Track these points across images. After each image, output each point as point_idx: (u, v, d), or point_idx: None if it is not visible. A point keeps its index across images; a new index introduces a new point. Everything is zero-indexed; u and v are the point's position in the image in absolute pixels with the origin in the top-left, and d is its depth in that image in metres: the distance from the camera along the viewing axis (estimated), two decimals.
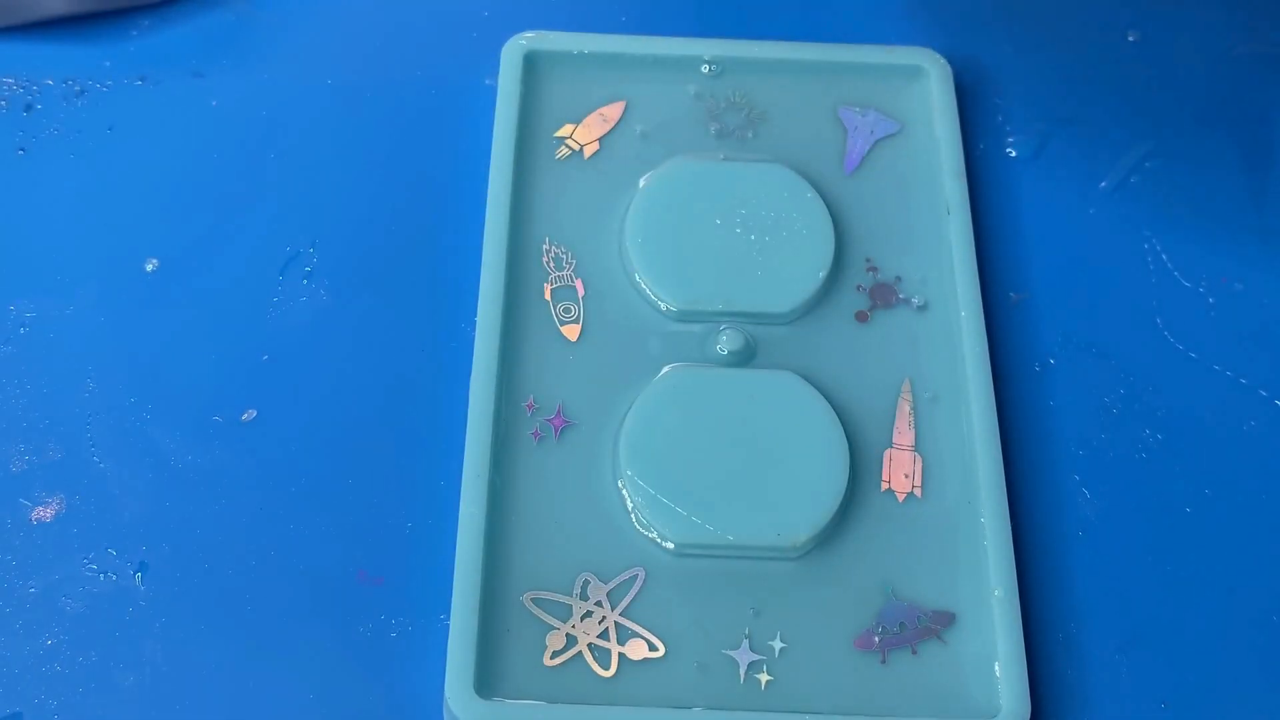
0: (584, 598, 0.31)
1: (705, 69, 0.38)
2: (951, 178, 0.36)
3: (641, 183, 0.36)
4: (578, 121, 0.37)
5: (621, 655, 0.30)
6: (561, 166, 0.36)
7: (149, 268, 0.35)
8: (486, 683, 0.29)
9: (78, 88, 0.38)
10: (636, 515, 0.31)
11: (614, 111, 0.37)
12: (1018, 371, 0.34)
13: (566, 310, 0.34)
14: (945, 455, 0.33)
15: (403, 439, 0.33)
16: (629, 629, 0.30)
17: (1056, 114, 0.38)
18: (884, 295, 0.35)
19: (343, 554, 0.31)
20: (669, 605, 0.31)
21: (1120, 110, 0.39)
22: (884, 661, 0.30)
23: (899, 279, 0.35)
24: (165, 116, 0.37)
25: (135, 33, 0.38)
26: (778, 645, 0.30)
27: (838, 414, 0.32)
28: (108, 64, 0.38)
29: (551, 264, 0.35)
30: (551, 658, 0.30)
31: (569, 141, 0.36)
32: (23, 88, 0.37)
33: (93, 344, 0.34)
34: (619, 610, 0.31)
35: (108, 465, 0.32)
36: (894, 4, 0.40)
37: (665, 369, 0.33)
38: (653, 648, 0.30)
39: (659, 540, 0.31)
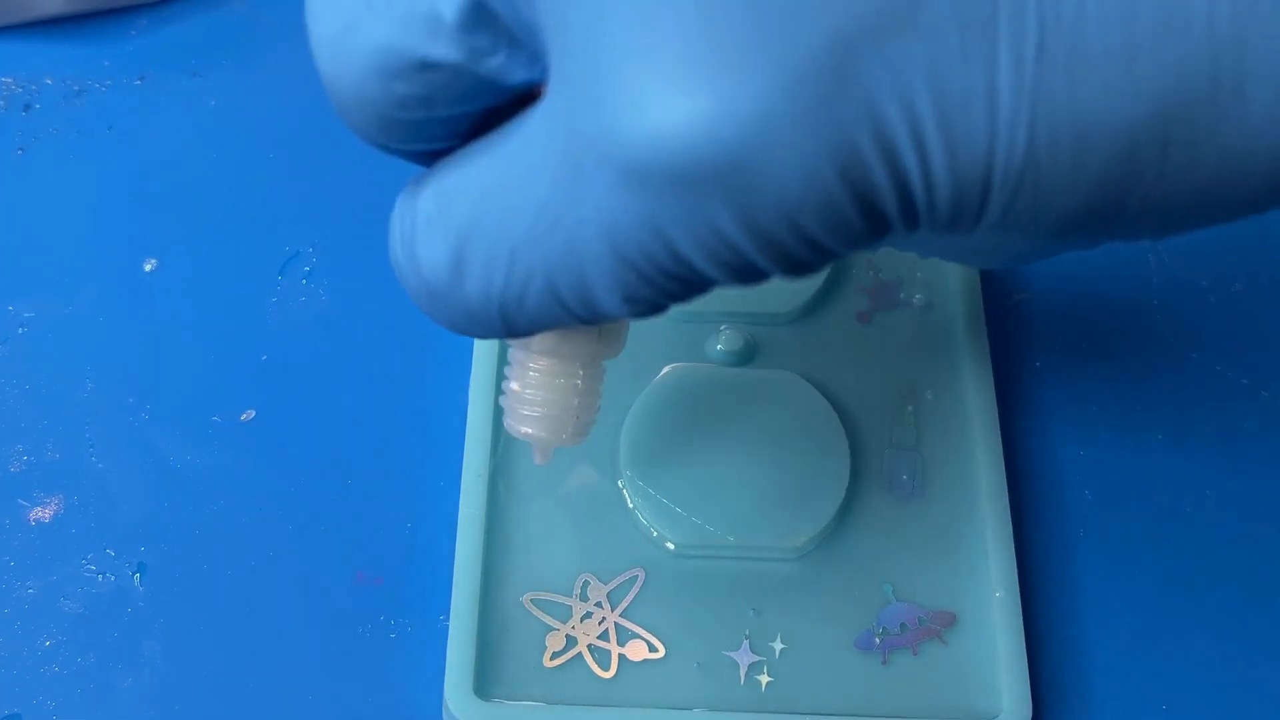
0: (584, 598, 0.31)
1: None
2: None
3: None
4: None
5: (621, 656, 0.30)
6: None
7: (148, 268, 0.35)
8: (486, 684, 0.29)
9: (76, 87, 0.37)
10: (636, 515, 0.31)
11: None
12: (1017, 371, 0.34)
13: None
14: (946, 455, 0.33)
15: (402, 439, 0.33)
16: (629, 630, 0.30)
17: None
18: (885, 295, 0.35)
19: (342, 554, 0.31)
20: (669, 606, 0.31)
21: None
22: (885, 662, 0.30)
23: (900, 279, 0.35)
24: (164, 116, 0.37)
25: (134, 32, 0.38)
26: (778, 646, 0.30)
27: (838, 414, 0.32)
28: (106, 64, 0.38)
29: None
30: (551, 659, 0.30)
31: None
32: (22, 88, 0.37)
33: (91, 344, 0.34)
34: (619, 611, 0.30)
35: (106, 465, 0.32)
36: None
37: (665, 369, 0.33)
38: (653, 649, 0.30)
39: (659, 540, 0.31)
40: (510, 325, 0.21)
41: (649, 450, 0.31)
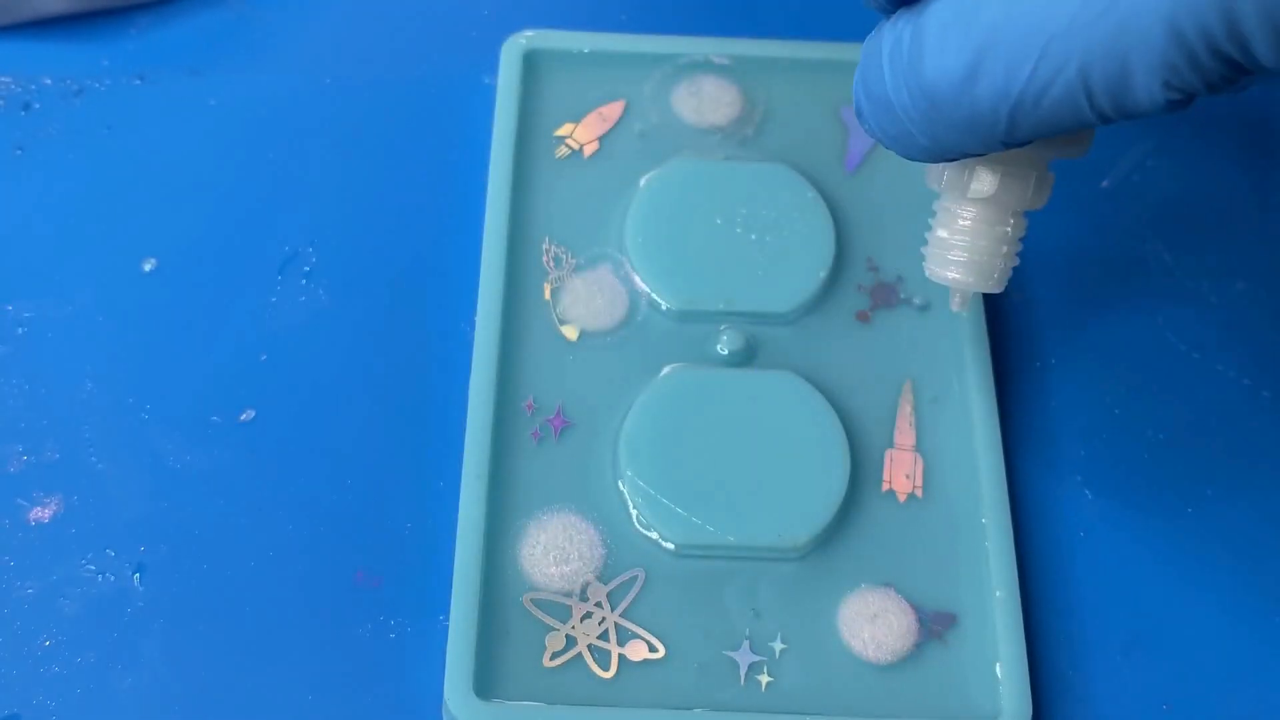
0: (584, 599, 0.30)
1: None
2: None
3: (642, 182, 0.36)
4: (577, 120, 0.37)
5: (621, 656, 0.30)
6: (561, 165, 0.36)
7: (147, 267, 0.35)
8: (486, 684, 0.29)
9: (76, 87, 0.37)
10: (637, 516, 0.31)
11: (614, 110, 0.37)
12: (1018, 371, 0.34)
13: (566, 310, 0.34)
14: (946, 455, 0.33)
15: (402, 439, 0.33)
16: (629, 630, 0.30)
17: None
18: (885, 295, 0.35)
19: (341, 555, 0.31)
20: (669, 606, 0.31)
21: None
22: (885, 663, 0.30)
23: (900, 279, 0.35)
24: (163, 116, 0.37)
25: (133, 31, 0.38)
26: (778, 646, 0.30)
27: (838, 414, 0.32)
28: (106, 63, 0.38)
29: (551, 263, 0.35)
30: (551, 659, 0.30)
31: (569, 140, 0.36)
32: (21, 87, 0.37)
33: (91, 344, 0.34)
34: (619, 611, 0.30)
35: (106, 466, 0.32)
36: None
37: (665, 369, 0.33)
38: (653, 649, 0.30)
39: (659, 541, 0.31)
40: (1014, 128, 0.21)
41: (649, 450, 0.31)
